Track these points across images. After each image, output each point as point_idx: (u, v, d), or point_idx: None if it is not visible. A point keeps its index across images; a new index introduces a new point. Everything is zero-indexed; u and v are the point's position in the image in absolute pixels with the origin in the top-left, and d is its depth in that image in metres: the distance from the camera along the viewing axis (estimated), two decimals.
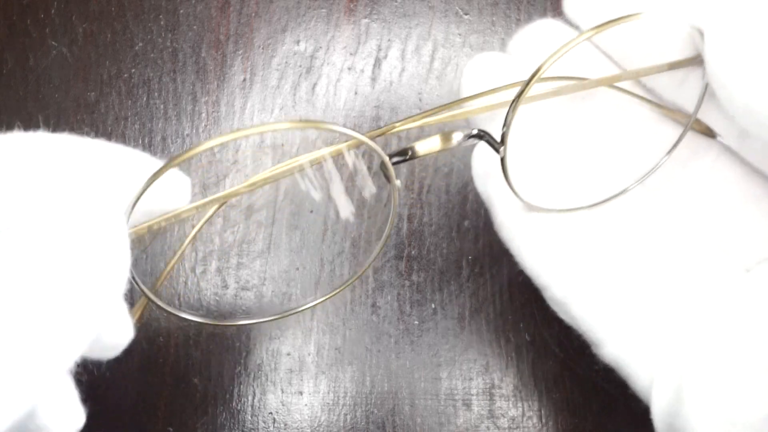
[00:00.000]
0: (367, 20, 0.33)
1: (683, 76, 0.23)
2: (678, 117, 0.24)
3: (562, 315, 0.23)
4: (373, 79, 0.33)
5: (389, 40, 0.33)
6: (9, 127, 0.33)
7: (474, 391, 0.29)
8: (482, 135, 0.22)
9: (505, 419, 0.28)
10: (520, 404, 0.29)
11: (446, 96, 0.32)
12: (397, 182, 0.22)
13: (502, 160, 0.22)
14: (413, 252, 0.31)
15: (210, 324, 0.21)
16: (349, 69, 0.33)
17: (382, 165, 0.21)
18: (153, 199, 0.19)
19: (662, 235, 0.23)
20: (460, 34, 0.33)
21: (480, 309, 0.30)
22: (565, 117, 0.24)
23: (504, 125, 0.21)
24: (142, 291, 0.21)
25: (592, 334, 0.22)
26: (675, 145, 0.23)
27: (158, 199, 0.20)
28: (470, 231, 0.31)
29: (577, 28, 0.24)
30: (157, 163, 0.20)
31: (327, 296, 0.24)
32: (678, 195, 0.24)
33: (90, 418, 0.20)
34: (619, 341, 0.22)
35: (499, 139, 0.21)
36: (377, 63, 0.33)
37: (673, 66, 0.22)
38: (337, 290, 0.24)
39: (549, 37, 0.25)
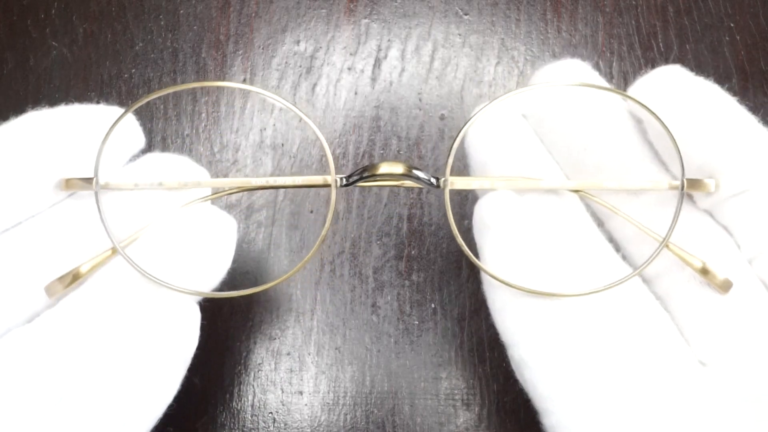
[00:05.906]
0: (367, 20, 0.33)
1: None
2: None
3: (518, 376, 0.22)
4: (373, 79, 0.33)
5: (389, 40, 0.33)
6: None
7: (474, 391, 0.29)
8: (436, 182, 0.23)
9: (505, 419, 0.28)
10: (520, 404, 0.29)
11: (446, 96, 0.32)
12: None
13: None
14: (413, 252, 0.30)
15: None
16: (349, 69, 0.33)
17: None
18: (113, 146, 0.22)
19: (630, 325, 0.22)
20: (460, 34, 0.33)
21: (480, 309, 0.30)
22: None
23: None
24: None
25: (541, 403, 0.21)
26: (646, 263, 0.22)
27: (116, 145, 0.22)
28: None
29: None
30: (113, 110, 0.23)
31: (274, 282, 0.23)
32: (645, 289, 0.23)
33: None
34: (566, 414, 0.21)
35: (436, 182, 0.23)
36: (377, 63, 0.33)
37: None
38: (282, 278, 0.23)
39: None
